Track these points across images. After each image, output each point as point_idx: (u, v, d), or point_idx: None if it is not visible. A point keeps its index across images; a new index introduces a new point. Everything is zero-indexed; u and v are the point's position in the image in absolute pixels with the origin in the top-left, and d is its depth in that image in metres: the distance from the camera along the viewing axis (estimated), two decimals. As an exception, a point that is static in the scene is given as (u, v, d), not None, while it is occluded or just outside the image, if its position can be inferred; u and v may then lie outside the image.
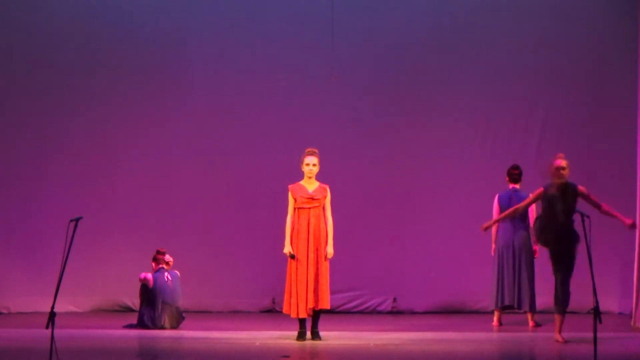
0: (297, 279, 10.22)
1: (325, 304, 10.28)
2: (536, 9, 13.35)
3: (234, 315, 13.09)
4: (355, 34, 13.42)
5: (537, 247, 11.82)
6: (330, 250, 10.33)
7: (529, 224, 11.81)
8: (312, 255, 10.24)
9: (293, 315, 10.28)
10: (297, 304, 10.22)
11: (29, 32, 13.28)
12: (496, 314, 11.92)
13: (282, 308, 10.55)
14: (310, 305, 10.19)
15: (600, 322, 10.11)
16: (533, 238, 11.79)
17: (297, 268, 10.25)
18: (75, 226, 8.18)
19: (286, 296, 10.34)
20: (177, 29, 13.48)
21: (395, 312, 13.30)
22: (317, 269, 10.25)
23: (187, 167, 13.40)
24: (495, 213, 11.89)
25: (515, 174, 11.95)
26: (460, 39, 13.39)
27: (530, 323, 11.77)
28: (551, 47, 13.30)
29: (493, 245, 11.94)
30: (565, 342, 10.18)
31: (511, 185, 11.94)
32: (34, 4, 13.34)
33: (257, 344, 10.07)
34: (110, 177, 13.33)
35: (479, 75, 13.37)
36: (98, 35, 13.35)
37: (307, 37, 13.44)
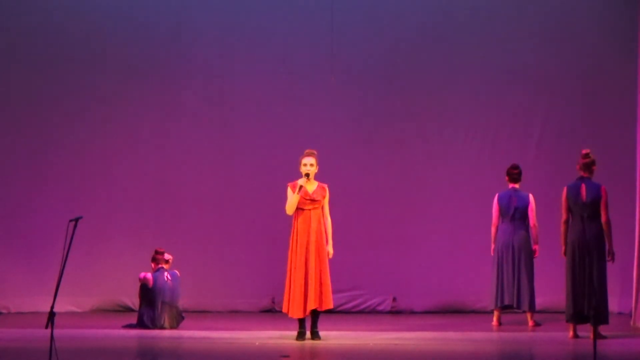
0: (295, 279, 10.22)
1: (329, 304, 10.30)
2: (536, 9, 13.35)
3: (234, 315, 13.08)
4: (355, 34, 13.42)
5: (536, 247, 11.83)
6: (330, 250, 10.35)
7: (528, 224, 11.82)
8: (313, 256, 10.22)
9: (291, 314, 10.28)
10: (295, 304, 10.21)
11: (28, 32, 13.27)
12: (496, 313, 11.92)
13: (282, 307, 10.56)
14: (314, 306, 10.18)
15: (600, 323, 10.21)
16: (533, 238, 11.82)
17: (296, 268, 10.24)
18: (75, 226, 8.17)
19: (285, 296, 10.35)
20: (177, 29, 13.48)
21: (394, 312, 13.30)
22: (320, 270, 10.25)
23: (186, 167, 13.40)
24: (495, 213, 11.90)
25: (515, 174, 11.95)
26: (460, 39, 13.39)
27: (530, 323, 11.77)
28: (551, 47, 13.30)
29: (493, 245, 11.94)
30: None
31: (511, 185, 11.94)
32: (34, 3, 13.35)
33: (257, 344, 10.06)
34: (110, 177, 13.34)
35: (478, 75, 13.37)
36: (98, 36, 13.35)
37: (307, 37, 13.44)
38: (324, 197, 10.40)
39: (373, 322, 12.20)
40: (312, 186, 10.41)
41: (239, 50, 13.47)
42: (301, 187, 10.26)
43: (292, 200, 10.28)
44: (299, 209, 10.34)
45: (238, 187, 13.37)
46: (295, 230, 10.34)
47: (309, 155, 10.43)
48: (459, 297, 13.18)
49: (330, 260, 10.37)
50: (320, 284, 10.23)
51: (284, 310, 10.37)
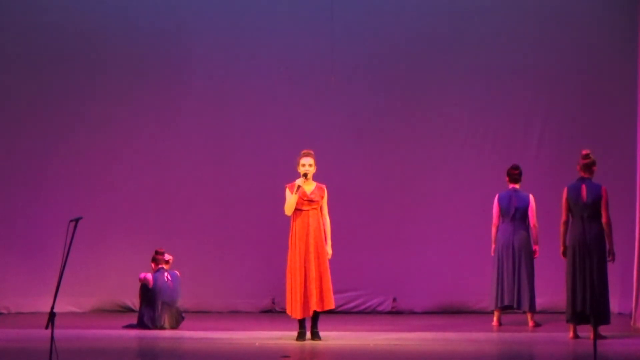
0: (295, 281, 10.20)
1: (330, 304, 10.29)
2: (535, 9, 13.34)
3: (234, 315, 13.09)
4: (355, 34, 13.42)
5: (537, 247, 11.82)
6: (329, 250, 10.34)
7: (528, 224, 11.81)
8: (312, 257, 10.21)
9: (294, 316, 10.28)
10: (297, 305, 10.20)
11: (29, 32, 13.28)
12: (496, 314, 11.92)
13: (282, 308, 10.54)
14: (315, 307, 10.17)
15: (602, 323, 10.20)
16: (534, 238, 11.82)
17: (296, 269, 10.22)
18: (75, 226, 8.16)
19: (287, 297, 10.32)
20: (178, 29, 13.48)
21: (395, 312, 13.30)
22: (320, 270, 10.24)
23: (187, 168, 13.40)
24: (495, 213, 11.90)
25: (515, 174, 11.95)
26: (459, 39, 13.39)
27: (530, 323, 11.77)
28: (551, 47, 13.30)
29: (493, 245, 11.93)
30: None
31: (511, 185, 11.94)
32: (34, 3, 13.34)
33: (257, 344, 10.06)
34: (110, 177, 13.34)
35: (478, 75, 13.37)
36: (98, 36, 13.36)
37: (307, 38, 13.44)
38: (322, 198, 10.39)
39: (373, 323, 12.19)
40: (310, 187, 10.39)
41: (239, 51, 13.47)
42: (299, 187, 10.25)
43: (290, 200, 10.27)
44: (297, 209, 10.32)
45: (238, 187, 13.37)
46: (293, 231, 10.33)
47: (306, 155, 10.42)
48: (459, 298, 13.18)
49: (330, 260, 10.37)
50: (321, 284, 10.22)
51: (288, 312, 10.35)
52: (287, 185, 10.41)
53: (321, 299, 10.21)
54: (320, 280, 10.22)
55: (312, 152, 10.45)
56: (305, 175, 10.29)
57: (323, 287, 10.23)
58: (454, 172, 13.31)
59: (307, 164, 10.37)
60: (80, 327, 11.50)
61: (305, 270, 10.20)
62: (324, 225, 10.37)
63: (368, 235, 13.30)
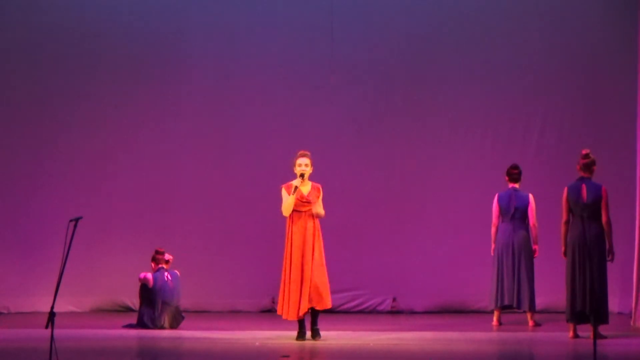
0: (291, 281, 10.18)
1: (327, 303, 10.24)
2: (535, 9, 13.35)
3: (234, 315, 13.09)
4: (355, 34, 13.42)
5: (536, 247, 11.82)
6: (320, 210, 10.25)
7: (528, 224, 11.82)
8: (309, 258, 10.16)
9: (285, 316, 10.23)
10: (289, 306, 10.19)
11: (28, 32, 13.28)
12: (496, 313, 11.92)
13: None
14: (308, 306, 10.13)
15: (600, 323, 10.21)
16: (533, 238, 11.82)
17: (292, 270, 10.20)
18: (75, 226, 8.17)
19: (280, 297, 10.30)
20: (177, 29, 13.49)
21: (394, 312, 13.30)
22: (316, 270, 10.19)
23: (186, 167, 13.41)
24: (495, 213, 11.90)
25: (514, 174, 11.95)
26: (459, 39, 13.39)
27: (530, 323, 11.77)
28: (551, 46, 13.30)
29: (493, 245, 11.94)
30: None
31: (511, 185, 11.94)
32: (35, 3, 13.34)
33: (257, 343, 10.06)
34: (110, 177, 13.34)
35: (478, 75, 13.37)
36: (97, 35, 13.35)
37: (306, 38, 13.44)
38: (317, 197, 10.37)
39: (373, 322, 12.20)
40: (306, 187, 10.36)
41: (238, 51, 13.47)
42: (296, 187, 10.23)
43: (288, 201, 10.25)
44: (294, 210, 10.28)
45: (238, 187, 13.37)
46: (290, 232, 10.30)
47: (303, 156, 10.40)
48: (459, 297, 13.18)
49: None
50: (317, 284, 10.15)
51: (279, 312, 10.31)
52: (284, 185, 10.40)
53: (317, 297, 10.14)
54: (317, 280, 10.16)
55: (308, 152, 10.43)
56: (301, 175, 10.27)
57: (320, 287, 10.14)
58: (454, 172, 13.32)
59: (303, 164, 10.35)
60: (80, 326, 11.50)
61: (301, 271, 10.17)
62: (320, 225, 10.32)
63: (368, 235, 13.30)
